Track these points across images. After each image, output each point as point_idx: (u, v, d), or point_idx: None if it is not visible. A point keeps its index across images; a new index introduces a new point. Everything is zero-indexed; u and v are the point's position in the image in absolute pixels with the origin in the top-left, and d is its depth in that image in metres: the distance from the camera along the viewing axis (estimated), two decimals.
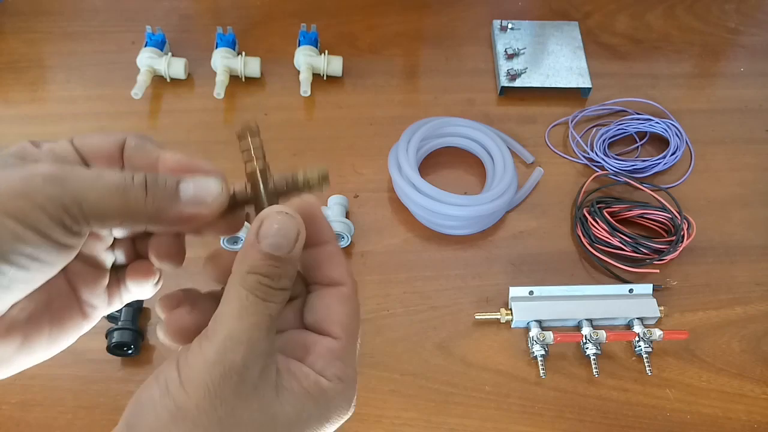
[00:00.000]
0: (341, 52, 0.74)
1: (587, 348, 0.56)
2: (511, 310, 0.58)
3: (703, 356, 0.58)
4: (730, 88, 0.77)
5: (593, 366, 0.55)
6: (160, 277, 0.29)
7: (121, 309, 0.56)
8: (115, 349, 0.54)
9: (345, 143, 0.70)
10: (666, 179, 0.68)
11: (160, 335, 0.26)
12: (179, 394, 0.22)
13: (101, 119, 0.70)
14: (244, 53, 0.73)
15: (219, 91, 0.70)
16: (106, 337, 0.54)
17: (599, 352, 0.56)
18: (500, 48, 0.76)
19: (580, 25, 0.79)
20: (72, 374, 0.55)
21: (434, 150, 0.68)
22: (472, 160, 0.69)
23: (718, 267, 0.63)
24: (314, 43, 0.74)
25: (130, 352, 0.55)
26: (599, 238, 0.62)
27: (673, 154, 0.68)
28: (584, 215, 0.64)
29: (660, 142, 0.71)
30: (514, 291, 0.59)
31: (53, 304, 0.26)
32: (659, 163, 0.68)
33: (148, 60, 0.71)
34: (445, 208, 0.60)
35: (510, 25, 0.78)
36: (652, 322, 0.59)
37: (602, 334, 0.56)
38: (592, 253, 0.62)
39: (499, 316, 0.58)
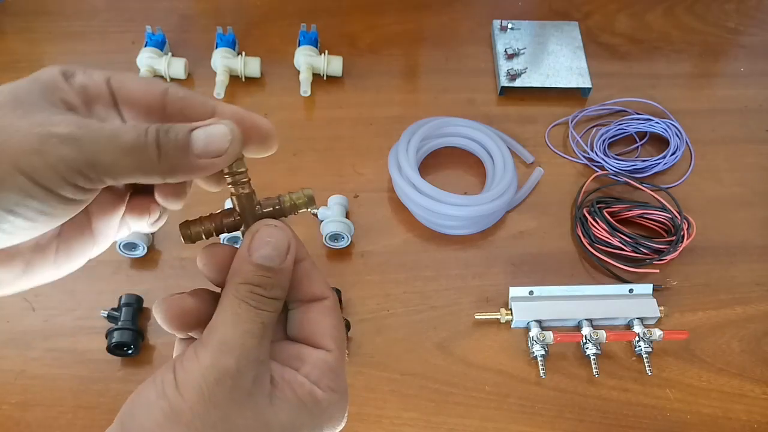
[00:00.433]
0: (341, 52, 0.74)
1: (587, 348, 0.56)
2: (511, 310, 0.58)
3: (703, 356, 0.58)
4: (730, 88, 0.77)
5: (593, 366, 0.55)
6: (161, 216, 0.29)
7: (120, 309, 0.56)
8: (115, 349, 0.54)
9: (345, 143, 0.70)
10: (666, 179, 0.68)
11: (158, 317, 0.26)
12: (174, 397, 0.23)
13: None
14: (244, 53, 0.73)
15: (219, 91, 0.70)
16: (106, 337, 0.54)
17: (599, 352, 0.56)
18: (500, 48, 0.76)
19: (580, 25, 0.79)
20: (72, 374, 0.55)
21: (434, 150, 0.68)
22: (472, 160, 0.69)
23: (718, 267, 0.63)
24: (314, 43, 0.74)
25: (130, 352, 0.55)
26: (599, 238, 0.62)
27: (673, 154, 0.68)
28: (584, 215, 0.64)
29: (660, 142, 0.71)
30: (514, 291, 0.59)
31: (63, 233, 0.26)
32: (659, 163, 0.68)
33: (148, 60, 0.71)
34: (445, 208, 0.60)
35: (510, 25, 0.78)
36: (652, 322, 0.59)
37: (602, 334, 0.56)
38: (592, 253, 0.62)
39: (499, 316, 0.58)
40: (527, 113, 0.73)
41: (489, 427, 0.54)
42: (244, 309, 0.24)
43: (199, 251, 0.27)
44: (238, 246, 0.26)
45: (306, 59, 0.72)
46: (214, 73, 0.72)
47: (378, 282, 0.60)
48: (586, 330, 0.57)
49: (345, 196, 0.63)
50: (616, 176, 0.67)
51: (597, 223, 0.62)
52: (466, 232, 0.63)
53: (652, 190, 0.66)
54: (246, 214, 0.26)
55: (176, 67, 0.72)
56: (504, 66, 0.74)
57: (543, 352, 0.56)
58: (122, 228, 0.29)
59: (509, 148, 0.67)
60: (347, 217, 0.63)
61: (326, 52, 0.73)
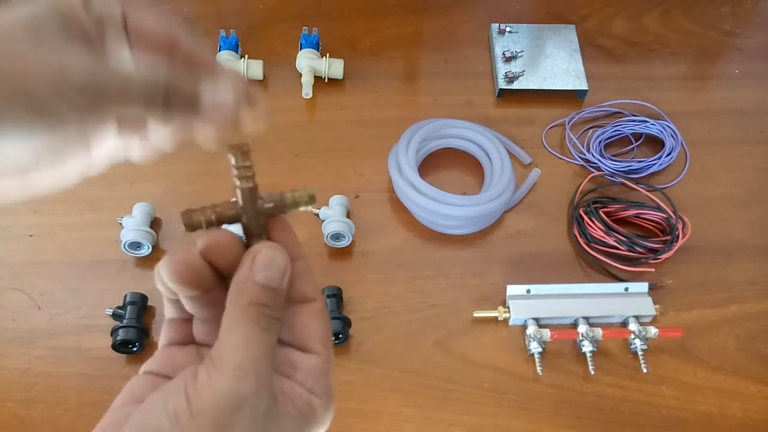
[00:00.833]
0: (342, 55, 0.75)
1: (583, 345, 0.57)
2: (508, 308, 0.59)
3: (699, 354, 0.58)
4: (726, 90, 0.78)
5: (589, 363, 0.56)
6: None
7: (125, 307, 0.56)
8: (120, 346, 0.55)
9: (346, 144, 0.70)
10: (661, 180, 0.69)
11: (164, 270, 0.25)
12: (189, 425, 0.22)
13: None
14: (246, 56, 0.74)
15: None
16: (111, 335, 0.55)
17: (595, 349, 0.57)
18: (498, 51, 0.77)
19: (577, 28, 0.80)
20: (77, 372, 0.56)
21: (434, 151, 0.69)
22: (470, 161, 0.69)
23: (714, 266, 0.64)
24: (316, 46, 0.75)
25: (135, 349, 0.56)
26: (595, 237, 0.63)
27: (668, 155, 0.69)
28: (581, 215, 0.64)
29: (655, 144, 0.72)
30: (512, 289, 0.60)
31: (58, 145, 0.27)
32: (655, 164, 0.69)
33: None
34: (445, 208, 0.61)
35: (508, 29, 0.79)
36: (648, 320, 0.59)
37: (598, 332, 0.57)
38: (588, 252, 0.63)
39: (497, 314, 0.59)
40: (525, 115, 0.74)
41: (487, 423, 0.54)
42: (256, 331, 0.24)
43: (202, 235, 0.26)
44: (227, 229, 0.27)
45: (308, 62, 0.73)
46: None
47: (378, 281, 0.61)
48: (582, 328, 0.57)
49: (346, 197, 0.64)
50: (612, 177, 0.68)
51: (593, 222, 0.63)
52: (465, 232, 0.64)
53: (647, 191, 0.66)
54: (248, 207, 0.27)
55: None
56: (502, 69, 0.75)
57: (540, 350, 0.56)
58: (119, 148, 0.29)
59: (507, 150, 0.68)
60: (348, 217, 0.63)
61: (327, 55, 0.74)
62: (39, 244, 0.63)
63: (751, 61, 0.80)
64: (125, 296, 0.57)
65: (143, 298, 0.57)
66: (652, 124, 0.71)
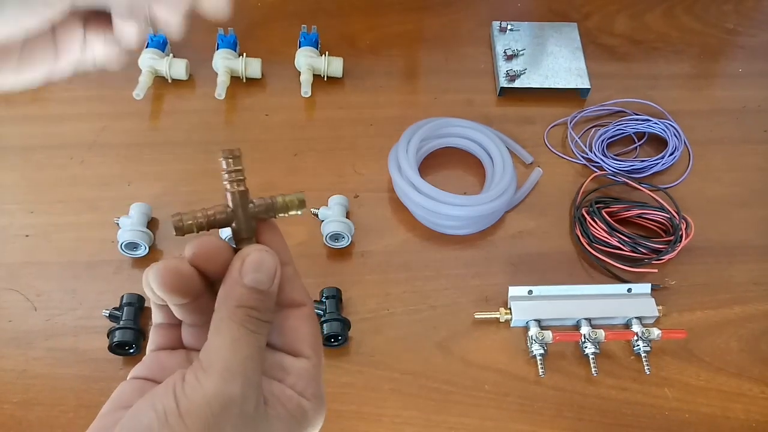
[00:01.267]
0: (341, 53, 0.75)
1: (586, 347, 0.56)
2: (510, 309, 0.58)
3: (702, 355, 0.58)
4: (729, 88, 0.77)
5: (592, 365, 0.56)
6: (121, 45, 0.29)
7: (122, 308, 0.56)
8: (116, 348, 0.54)
9: (345, 143, 0.70)
10: (664, 179, 0.69)
11: (152, 278, 0.25)
12: (178, 426, 0.22)
13: (103, 120, 0.71)
14: (245, 54, 0.73)
15: (220, 92, 0.70)
16: (108, 337, 0.55)
17: (598, 351, 0.56)
18: (499, 49, 0.76)
19: (579, 26, 0.79)
20: (73, 373, 0.55)
21: (434, 150, 0.69)
22: (471, 161, 0.69)
23: (717, 267, 0.63)
24: (315, 44, 0.74)
25: (131, 351, 0.55)
26: (598, 237, 0.62)
27: (671, 154, 0.69)
28: (583, 215, 0.64)
29: (658, 143, 0.71)
30: (513, 290, 0.59)
31: (27, 41, 0.26)
32: (657, 163, 0.68)
33: (150, 61, 0.72)
34: (445, 208, 0.61)
35: (509, 26, 0.78)
36: (651, 321, 0.59)
37: (601, 334, 0.56)
38: (590, 252, 0.62)
39: (498, 316, 0.58)
40: (526, 114, 0.73)
41: (488, 426, 0.54)
42: (243, 333, 0.24)
43: (190, 242, 0.26)
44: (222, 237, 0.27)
45: (306, 60, 0.73)
46: (216, 74, 0.72)
47: (378, 281, 0.61)
48: (584, 329, 0.57)
49: (345, 196, 0.64)
50: (614, 176, 0.67)
51: (596, 223, 0.62)
52: (466, 232, 0.64)
53: (650, 191, 0.66)
54: (239, 211, 0.27)
55: (177, 68, 0.72)
56: (503, 67, 0.75)
57: (542, 351, 0.56)
58: (87, 50, 0.29)
59: (508, 149, 0.67)
60: (347, 217, 0.63)
61: (327, 53, 0.73)
62: (35, 245, 0.62)
63: (754, 59, 0.80)
64: (122, 297, 0.57)
65: (140, 299, 0.57)
66: (655, 123, 0.70)
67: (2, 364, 0.55)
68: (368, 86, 0.75)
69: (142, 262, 0.61)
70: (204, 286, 0.26)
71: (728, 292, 0.62)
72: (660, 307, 0.59)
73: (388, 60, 0.77)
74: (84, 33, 0.28)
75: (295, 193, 0.28)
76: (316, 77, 0.74)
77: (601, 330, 0.57)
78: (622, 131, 0.71)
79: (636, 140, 0.71)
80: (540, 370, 0.55)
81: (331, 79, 0.75)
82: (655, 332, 0.56)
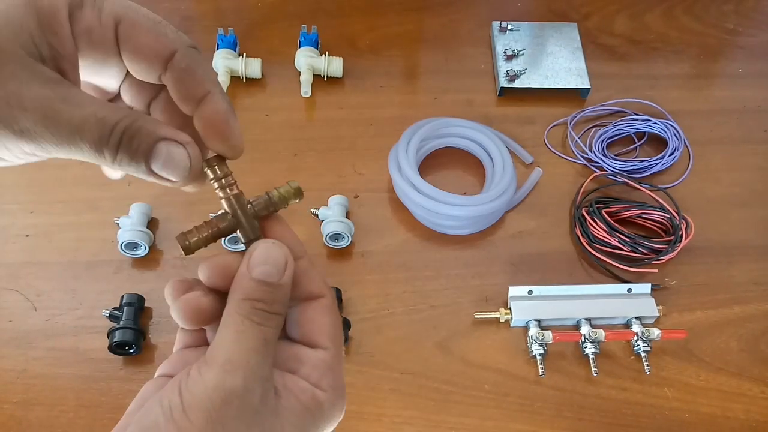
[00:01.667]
0: (342, 53, 0.75)
1: (586, 347, 0.56)
2: (510, 309, 0.58)
3: (702, 355, 0.58)
4: (729, 88, 0.77)
5: (592, 365, 0.56)
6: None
7: (122, 308, 0.56)
8: (116, 348, 0.54)
9: (345, 144, 0.70)
10: (664, 179, 0.69)
11: (175, 316, 0.26)
12: (182, 420, 0.22)
13: None
14: (245, 54, 0.73)
15: None
16: (108, 337, 0.55)
17: (598, 351, 0.56)
18: (499, 49, 0.76)
19: (579, 26, 0.79)
20: (74, 373, 0.55)
21: (434, 150, 0.69)
22: (471, 161, 0.69)
23: (717, 267, 0.63)
24: (315, 44, 0.74)
25: (131, 351, 0.55)
26: (598, 237, 0.62)
27: (671, 154, 0.69)
28: (583, 215, 0.64)
29: (658, 143, 0.71)
30: (513, 290, 0.59)
31: None
32: (658, 163, 0.68)
33: None
34: (445, 208, 0.61)
35: (509, 26, 0.78)
36: (651, 321, 0.59)
37: (601, 334, 0.56)
38: (590, 252, 0.62)
39: (498, 316, 0.58)
40: (526, 114, 0.73)
41: (488, 426, 0.54)
42: (247, 326, 0.24)
43: (202, 263, 0.26)
44: (238, 247, 0.26)
45: (306, 60, 0.73)
46: (216, 74, 0.72)
47: (378, 281, 0.61)
48: (584, 329, 0.57)
49: (345, 196, 0.64)
50: (614, 176, 0.67)
51: (596, 223, 0.62)
52: (466, 232, 0.64)
53: (650, 191, 0.66)
54: (239, 215, 0.27)
55: None
56: (503, 67, 0.75)
57: (542, 351, 0.56)
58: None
59: (508, 149, 0.67)
60: (347, 217, 0.63)
61: (327, 53, 0.73)
62: (35, 245, 0.62)
63: (754, 59, 0.80)
64: (122, 297, 0.57)
65: (140, 299, 0.57)
66: (655, 123, 0.70)
67: (2, 364, 0.55)
68: (368, 86, 0.75)
69: (142, 262, 0.61)
70: (224, 301, 0.26)
71: (728, 292, 0.62)
72: (660, 307, 0.59)
73: (388, 60, 0.77)
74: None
75: (288, 183, 0.28)
76: (316, 77, 0.74)
77: (601, 330, 0.57)
78: (622, 131, 0.71)
79: (636, 140, 0.71)
80: (540, 370, 0.55)
81: (331, 79, 0.75)
82: (655, 332, 0.56)
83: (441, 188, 0.61)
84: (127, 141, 0.23)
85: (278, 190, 0.28)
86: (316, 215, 0.62)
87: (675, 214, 0.63)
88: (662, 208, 0.64)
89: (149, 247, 0.60)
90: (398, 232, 0.64)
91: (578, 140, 0.70)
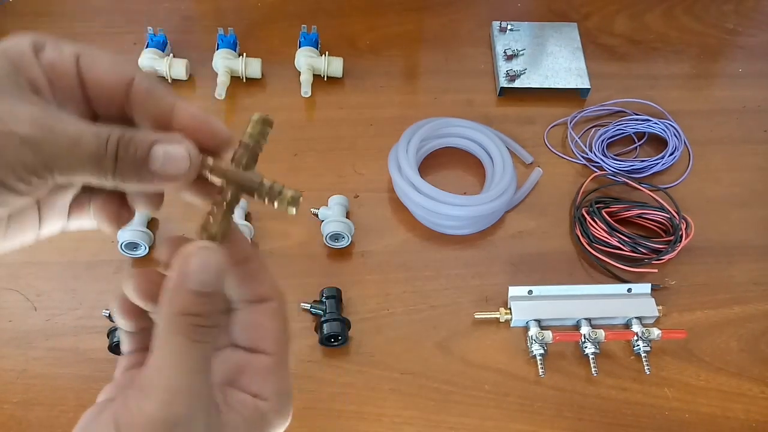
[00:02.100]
0: (341, 53, 0.75)
1: (586, 347, 0.56)
2: (510, 309, 0.58)
3: (702, 355, 0.58)
4: (729, 88, 0.77)
5: (592, 365, 0.56)
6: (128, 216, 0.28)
7: None
8: (116, 348, 0.54)
9: (345, 144, 0.70)
10: (664, 179, 0.69)
11: (127, 287, 0.25)
12: None
13: None
14: (245, 54, 0.73)
15: (220, 92, 0.70)
16: (108, 337, 0.55)
17: (598, 351, 0.56)
18: (499, 49, 0.76)
19: (579, 26, 0.79)
20: (74, 373, 0.55)
21: (434, 150, 0.69)
22: (471, 161, 0.69)
23: (717, 267, 0.63)
24: (315, 44, 0.74)
25: None
26: (598, 237, 0.62)
27: (671, 154, 0.69)
28: (583, 215, 0.64)
29: (658, 143, 0.71)
30: (514, 290, 0.59)
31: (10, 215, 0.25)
32: (658, 163, 0.68)
33: (150, 61, 0.72)
34: (445, 208, 0.61)
35: (509, 27, 0.78)
36: (651, 321, 0.59)
37: (601, 334, 0.56)
38: (590, 252, 0.62)
39: (498, 316, 0.58)
40: (526, 114, 0.73)
41: (488, 426, 0.54)
42: (185, 345, 0.22)
43: (125, 278, 0.25)
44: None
45: (306, 60, 0.73)
46: (216, 74, 0.72)
47: (378, 281, 0.61)
48: (584, 329, 0.57)
49: (345, 196, 0.64)
50: (614, 176, 0.67)
51: (596, 223, 0.63)
52: (466, 232, 0.64)
53: (650, 191, 0.66)
54: (236, 176, 0.25)
55: (177, 68, 0.72)
56: (503, 67, 0.75)
57: (542, 351, 0.56)
58: (76, 218, 0.28)
59: (508, 149, 0.67)
60: (347, 217, 0.63)
61: (327, 53, 0.73)
62: (35, 245, 0.61)
63: (753, 59, 0.80)
64: None
65: None
66: (655, 123, 0.70)
67: (2, 364, 0.55)
68: (368, 86, 0.75)
69: (142, 262, 0.61)
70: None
71: (728, 292, 0.62)
72: (660, 307, 0.59)
73: (388, 60, 0.77)
74: (68, 207, 0.27)
75: (250, 117, 0.26)
76: (316, 77, 0.74)
77: (601, 330, 0.57)
78: (622, 131, 0.71)
79: (636, 140, 0.71)
80: (540, 370, 0.55)
81: (331, 79, 0.75)
82: (655, 332, 0.56)
83: (441, 188, 0.61)
84: (123, 149, 0.23)
85: (246, 132, 0.26)
86: (316, 215, 0.62)
87: (675, 214, 0.63)
88: (662, 208, 0.64)
89: (149, 247, 0.60)
90: (398, 232, 0.64)
91: (578, 140, 0.70)
